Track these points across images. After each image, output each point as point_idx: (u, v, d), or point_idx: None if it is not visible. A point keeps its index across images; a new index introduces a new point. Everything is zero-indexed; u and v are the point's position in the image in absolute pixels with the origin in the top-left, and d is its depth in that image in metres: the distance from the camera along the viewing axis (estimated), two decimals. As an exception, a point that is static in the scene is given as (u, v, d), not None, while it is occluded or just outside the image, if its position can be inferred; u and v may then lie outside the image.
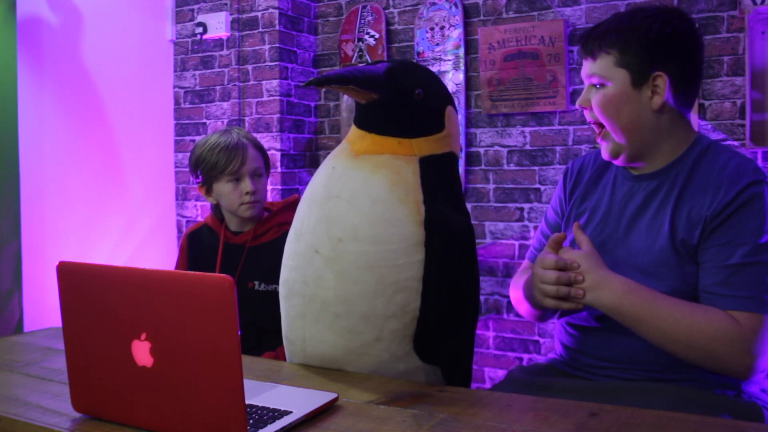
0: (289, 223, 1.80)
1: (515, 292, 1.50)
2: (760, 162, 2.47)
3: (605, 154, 1.35)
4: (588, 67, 1.32)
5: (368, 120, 1.19)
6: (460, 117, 2.99)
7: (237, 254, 1.82)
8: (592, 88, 1.32)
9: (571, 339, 1.38)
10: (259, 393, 1.04)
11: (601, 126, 1.34)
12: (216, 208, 1.89)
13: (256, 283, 1.79)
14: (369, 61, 3.21)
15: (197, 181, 1.86)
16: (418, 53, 3.10)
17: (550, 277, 1.23)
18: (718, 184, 1.23)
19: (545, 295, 1.24)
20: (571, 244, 1.39)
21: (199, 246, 1.89)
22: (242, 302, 1.72)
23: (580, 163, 1.49)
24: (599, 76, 1.30)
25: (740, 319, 1.17)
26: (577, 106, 1.37)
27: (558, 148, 2.85)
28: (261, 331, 1.75)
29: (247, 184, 1.79)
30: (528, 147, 2.91)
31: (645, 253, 1.27)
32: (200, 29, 3.38)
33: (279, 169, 3.17)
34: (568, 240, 1.42)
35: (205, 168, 1.81)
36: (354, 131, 1.21)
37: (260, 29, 3.22)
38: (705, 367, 1.20)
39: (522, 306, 1.47)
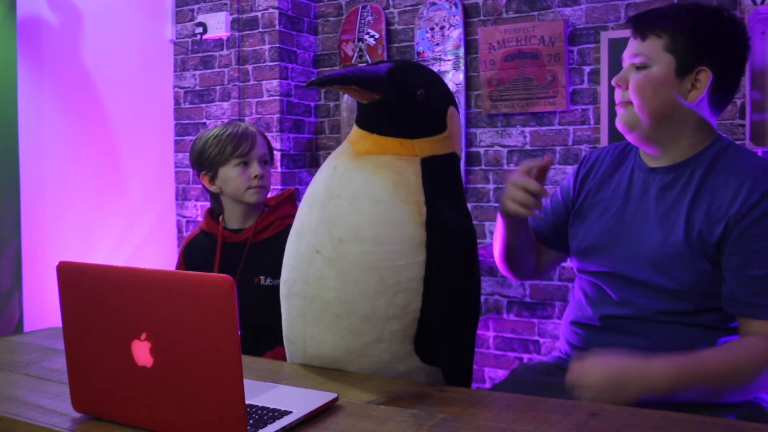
0: (290, 216, 1.80)
1: (495, 244, 1.53)
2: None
3: (620, 124, 1.34)
4: (635, 46, 1.31)
5: (370, 120, 1.19)
6: (460, 117, 2.99)
7: (238, 252, 1.81)
8: (633, 69, 1.31)
9: (576, 338, 1.38)
10: (259, 393, 1.04)
11: (627, 105, 1.32)
12: (215, 202, 1.87)
13: (262, 278, 1.78)
14: (369, 61, 3.21)
15: (199, 170, 1.84)
16: (418, 53, 3.10)
17: (521, 183, 1.27)
18: (740, 182, 1.22)
19: (511, 199, 1.29)
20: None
21: (196, 254, 1.87)
22: (248, 298, 1.69)
23: (597, 155, 1.49)
24: (645, 57, 1.29)
25: None
26: (612, 83, 1.36)
27: (558, 148, 2.85)
28: (261, 330, 1.74)
29: (255, 168, 1.80)
30: (528, 147, 2.91)
31: (657, 246, 1.27)
32: (200, 29, 3.38)
33: (279, 169, 3.17)
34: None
35: (212, 153, 1.80)
36: (355, 131, 1.21)
37: (260, 29, 3.22)
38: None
39: (499, 254, 1.50)
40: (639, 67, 1.30)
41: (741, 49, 1.31)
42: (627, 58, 1.33)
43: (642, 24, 1.31)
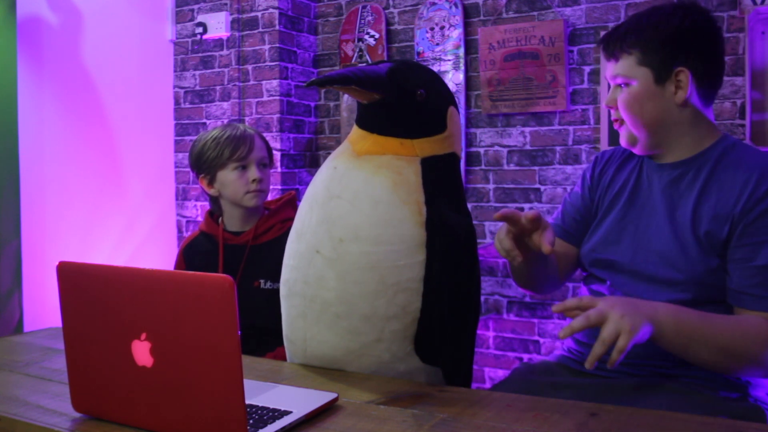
0: (291, 220, 1.81)
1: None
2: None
3: (623, 141, 1.37)
4: (612, 68, 1.34)
5: (370, 120, 1.19)
6: (461, 117, 2.99)
7: (238, 254, 1.81)
8: (618, 89, 1.34)
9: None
10: (259, 393, 1.04)
11: (622, 122, 1.35)
12: (215, 204, 1.87)
13: (262, 281, 1.78)
14: (369, 61, 3.21)
15: (198, 173, 1.84)
16: (418, 53, 3.10)
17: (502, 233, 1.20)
18: (745, 179, 1.23)
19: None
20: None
21: (197, 256, 1.87)
22: (248, 301, 1.69)
23: (610, 154, 1.51)
24: (623, 77, 1.31)
25: None
26: (604, 106, 1.40)
27: (558, 148, 2.85)
28: (263, 332, 1.74)
29: (253, 172, 1.79)
30: (528, 147, 2.91)
31: (666, 240, 1.28)
32: (200, 29, 3.38)
33: (279, 169, 3.17)
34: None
35: (210, 156, 1.79)
36: (356, 131, 1.21)
37: (260, 29, 3.22)
38: (753, 374, 1.21)
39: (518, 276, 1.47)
40: (623, 87, 1.33)
41: (712, 39, 1.31)
42: (609, 79, 1.36)
43: (610, 46, 1.33)
